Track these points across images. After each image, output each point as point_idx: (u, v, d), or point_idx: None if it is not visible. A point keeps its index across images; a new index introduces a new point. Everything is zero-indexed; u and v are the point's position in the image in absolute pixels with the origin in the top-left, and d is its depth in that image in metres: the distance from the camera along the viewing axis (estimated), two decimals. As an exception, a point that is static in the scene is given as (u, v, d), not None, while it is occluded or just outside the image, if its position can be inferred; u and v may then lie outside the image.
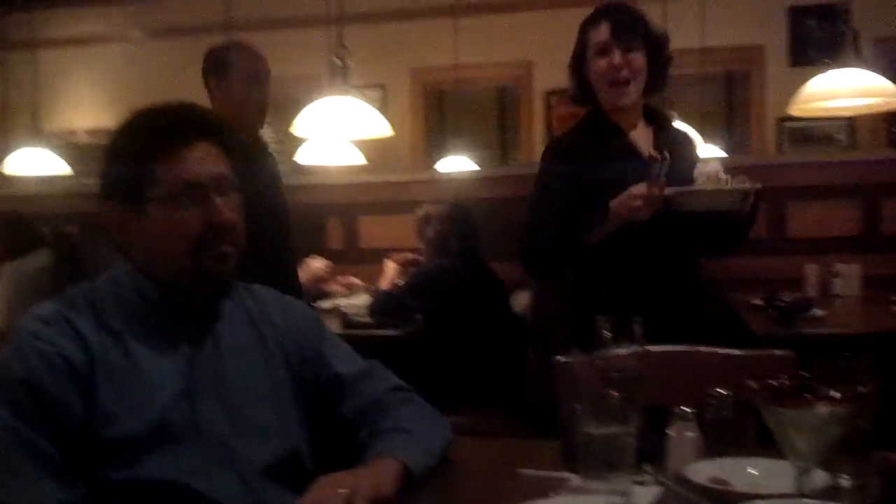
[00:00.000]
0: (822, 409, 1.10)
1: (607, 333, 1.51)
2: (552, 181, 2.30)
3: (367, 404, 1.47)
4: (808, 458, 1.12)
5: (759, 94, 6.68)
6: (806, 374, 1.24)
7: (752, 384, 1.17)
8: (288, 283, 2.61)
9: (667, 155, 2.13)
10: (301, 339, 1.49)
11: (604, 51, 2.25)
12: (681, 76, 6.39)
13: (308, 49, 6.14)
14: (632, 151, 2.30)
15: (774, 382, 1.18)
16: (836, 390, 1.13)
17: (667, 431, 1.38)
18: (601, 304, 2.05)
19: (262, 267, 1.67)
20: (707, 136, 5.58)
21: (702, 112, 6.38)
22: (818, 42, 6.32)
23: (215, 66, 2.79)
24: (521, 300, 3.72)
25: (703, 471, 1.28)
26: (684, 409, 1.40)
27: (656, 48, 2.30)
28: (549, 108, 7.00)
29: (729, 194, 2.15)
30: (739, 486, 1.24)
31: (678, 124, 2.52)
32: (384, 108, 6.12)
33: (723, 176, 2.14)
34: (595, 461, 1.25)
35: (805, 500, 1.07)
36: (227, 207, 1.36)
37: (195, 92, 2.53)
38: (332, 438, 1.47)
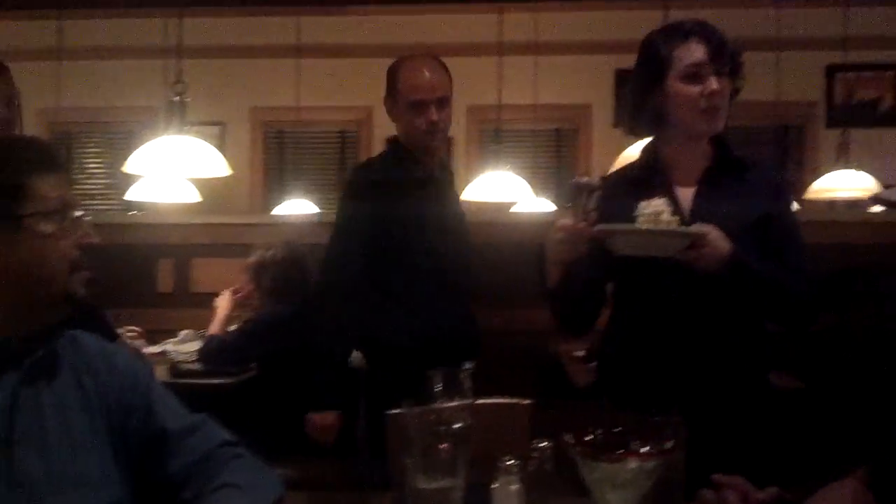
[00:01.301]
0: (633, 463, 1.18)
1: (438, 386, 1.56)
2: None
3: (195, 461, 1.45)
4: (621, 511, 1.20)
5: (586, 150, 7.03)
6: (619, 429, 1.34)
7: (569, 438, 1.24)
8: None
9: (597, 182, 1.88)
10: (125, 390, 1.47)
11: (696, 74, 1.93)
12: (514, 131, 6.68)
13: (144, 81, 6.01)
14: (674, 204, 1.97)
15: (591, 437, 1.26)
16: (647, 445, 1.22)
17: (492, 485, 1.43)
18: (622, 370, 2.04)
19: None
20: (538, 188, 5.82)
21: (534, 166, 6.65)
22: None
23: None
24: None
25: (525, 522, 1.35)
26: (508, 460, 1.46)
27: (737, 77, 2.01)
28: (387, 154, 7.12)
29: (665, 237, 1.86)
30: (559, 536, 1.31)
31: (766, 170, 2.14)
32: (222, 147, 6.05)
33: (666, 217, 1.86)
34: (424, 514, 1.29)
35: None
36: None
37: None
38: (159, 494, 1.44)
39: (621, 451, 1.21)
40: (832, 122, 6.76)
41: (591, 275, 1.98)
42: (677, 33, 1.96)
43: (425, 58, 2.74)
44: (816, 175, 5.36)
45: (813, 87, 6.83)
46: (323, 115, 7.08)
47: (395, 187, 2.68)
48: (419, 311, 2.68)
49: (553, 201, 5.95)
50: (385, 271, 2.65)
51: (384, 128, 7.01)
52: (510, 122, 6.24)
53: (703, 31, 1.95)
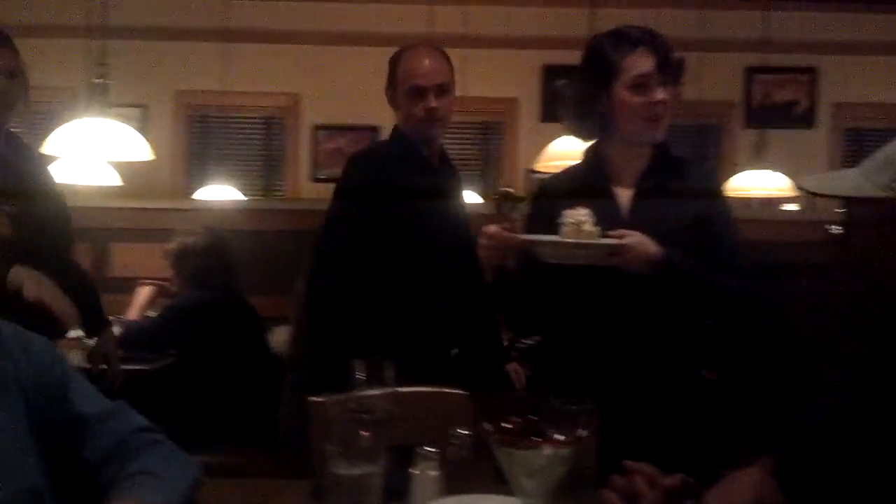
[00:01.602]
0: (548, 450, 1.22)
1: (361, 375, 1.57)
2: (529, 222, 2.13)
3: (111, 446, 1.44)
4: (536, 496, 1.23)
5: (512, 144, 7.10)
6: (534, 417, 1.37)
7: (487, 426, 1.27)
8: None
9: (519, 194, 1.99)
10: (42, 376, 1.45)
11: (644, 84, 1.98)
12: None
13: (65, 60, 5.84)
14: (613, 205, 2.07)
15: (507, 425, 1.29)
16: (561, 432, 1.25)
17: (411, 470, 1.46)
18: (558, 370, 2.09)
19: None
20: (464, 181, 5.84)
21: (460, 158, 6.68)
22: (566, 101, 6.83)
23: None
24: (279, 336, 3.72)
25: (443, 508, 1.38)
26: (428, 448, 1.49)
27: (679, 85, 2.07)
28: (316, 142, 7.07)
29: (584, 248, 1.93)
30: (474, 521, 1.34)
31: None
32: (144, 130, 5.92)
33: (587, 228, 1.92)
34: (343, 501, 1.31)
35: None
36: None
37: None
38: (75, 480, 1.43)
39: (536, 438, 1.25)
40: (750, 123, 6.96)
41: (523, 275, 2.03)
42: (626, 41, 1.99)
43: (426, 46, 2.70)
44: (733, 173, 5.51)
45: (732, 87, 7.01)
46: (249, 101, 7.00)
47: (393, 179, 2.57)
48: (418, 310, 2.53)
49: (480, 194, 5.99)
50: (380, 269, 2.51)
51: (312, 115, 7.02)
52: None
53: (652, 42, 1.98)
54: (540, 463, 1.22)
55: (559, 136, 4.51)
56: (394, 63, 2.68)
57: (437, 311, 2.52)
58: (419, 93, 2.59)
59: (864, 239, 1.19)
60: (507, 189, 2.01)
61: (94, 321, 2.62)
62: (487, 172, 7.11)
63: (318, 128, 7.05)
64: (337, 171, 8.03)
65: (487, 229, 1.95)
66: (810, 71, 7.06)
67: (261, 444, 3.15)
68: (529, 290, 2.09)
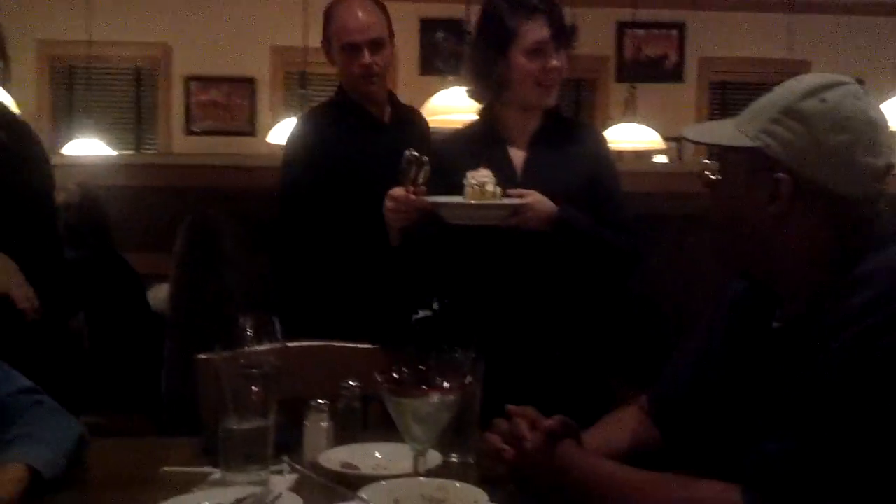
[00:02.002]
0: (435, 398, 1.27)
1: (248, 330, 1.58)
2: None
3: None
4: (424, 442, 1.29)
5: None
6: (422, 367, 1.42)
7: (378, 377, 1.31)
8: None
9: (424, 158, 1.98)
10: None
11: (540, 51, 2.03)
12: (321, 75, 6.60)
13: (-87, 8, 5.50)
14: (507, 165, 2.13)
15: (397, 375, 1.33)
16: (448, 380, 1.31)
17: (303, 423, 1.49)
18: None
19: None
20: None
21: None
22: (445, 54, 6.85)
23: None
24: (158, 293, 3.65)
25: (335, 457, 1.42)
26: (319, 401, 1.52)
27: (571, 50, 2.13)
28: (188, 94, 6.89)
29: (488, 209, 1.98)
30: (366, 469, 1.39)
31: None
32: (6, 83, 5.64)
33: (490, 188, 1.97)
34: (236, 454, 1.33)
35: (421, 479, 1.23)
36: None
37: None
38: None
39: (424, 386, 1.30)
40: (621, 77, 7.15)
41: (426, 237, 2.08)
42: (523, 8, 2.03)
43: None
44: (606, 127, 5.67)
45: (605, 43, 7.18)
46: (117, 51, 6.76)
47: (337, 139, 2.47)
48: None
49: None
50: (338, 234, 2.42)
51: (183, 65, 6.83)
52: (317, 65, 6.18)
53: (549, 9, 2.04)
54: (427, 410, 1.27)
55: (438, 89, 4.53)
56: (327, 17, 2.51)
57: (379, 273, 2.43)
58: (353, 49, 2.45)
59: (731, 187, 1.25)
60: (414, 153, 1.99)
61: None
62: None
63: (190, 79, 6.86)
64: (212, 123, 7.93)
65: (393, 192, 1.99)
66: (678, 26, 7.30)
67: (144, 402, 3.12)
68: (432, 251, 2.15)
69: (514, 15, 2.04)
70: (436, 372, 1.36)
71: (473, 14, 4.00)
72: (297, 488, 1.32)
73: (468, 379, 1.36)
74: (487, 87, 2.11)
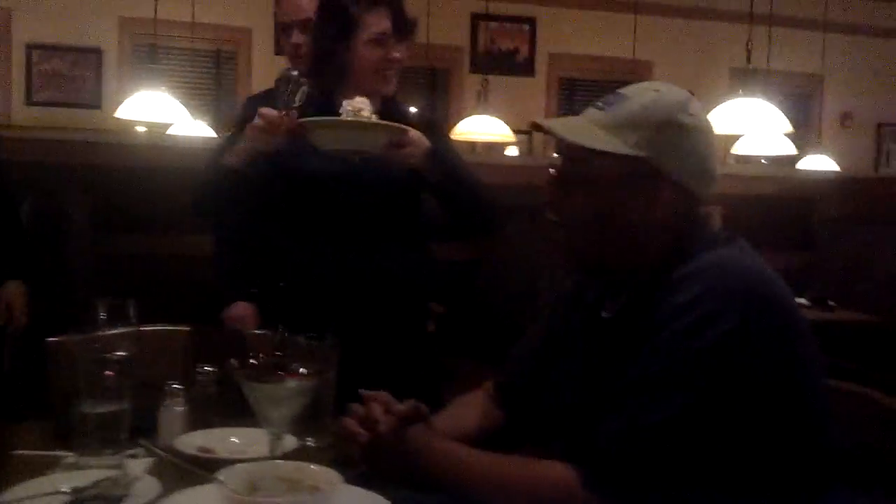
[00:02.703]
0: (291, 383, 1.32)
1: (102, 314, 1.58)
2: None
3: None
4: (280, 426, 1.33)
5: (245, 74, 6.99)
6: (279, 353, 1.47)
7: (234, 362, 1.34)
8: None
9: (302, 79, 1.91)
10: None
11: (380, 41, 2.07)
12: (171, 48, 6.47)
13: None
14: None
15: (253, 360, 1.37)
16: (304, 366, 1.35)
17: (159, 407, 1.50)
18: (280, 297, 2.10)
19: None
20: (195, 111, 5.71)
21: (192, 87, 6.50)
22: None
23: None
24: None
25: (191, 441, 1.44)
26: (174, 385, 1.54)
27: (411, 43, 2.17)
28: (29, 62, 6.56)
29: (368, 129, 1.91)
30: (223, 453, 1.42)
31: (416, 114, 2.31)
32: None
33: (366, 114, 1.90)
34: (91, 438, 1.34)
35: (277, 461, 1.28)
36: None
37: None
38: None
39: (281, 372, 1.34)
40: (475, 68, 7.30)
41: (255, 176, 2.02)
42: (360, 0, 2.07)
43: None
44: (461, 118, 5.80)
45: (460, 33, 7.31)
46: (-50, 12, 6.36)
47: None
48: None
49: (210, 125, 5.87)
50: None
51: (24, 32, 6.49)
52: (167, 38, 6.02)
53: (391, 1, 2.08)
54: (284, 395, 1.31)
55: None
56: None
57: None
58: (285, 28, 2.48)
59: (602, 190, 1.30)
60: (291, 71, 1.92)
61: (4, 269, 2.56)
62: (220, 102, 6.96)
63: (31, 47, 6.54)
64: (54, 93, 7.56)
65: (264, 110, 1.92)
66: (530, 21, 7.51)
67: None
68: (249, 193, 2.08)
69: (357, 4, 2.07)
70: (292, 358, 1.41)
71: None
72: (153, 472, 1.34)
73: (323, 365, 1.41)
74: (330, 76, 2.12)
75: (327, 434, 1.52)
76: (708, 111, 5.43)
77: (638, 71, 7.48)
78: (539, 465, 1.26)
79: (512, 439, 1.54)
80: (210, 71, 7.01)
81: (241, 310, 2.43)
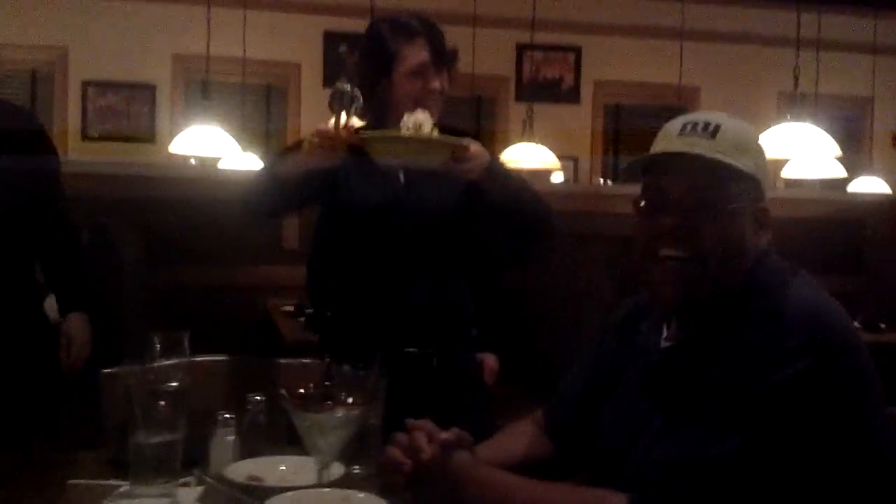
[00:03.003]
0: (339, 412, 1.34)
1: (157, 345, 1.62)
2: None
3: None
4: (328, 454, 1.36)
5: (295, 108, 7.10)
6: (327, 383, 1.49)
7: (284, 392, 1.37)
8: None
9: (356, 92, 1.91)
10: None
11: (419, 72, 2.10)
12: (223, 84, 6.60)
13: None
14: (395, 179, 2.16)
15: (302, 390, 1.40)
16: (351, 396, 1.38)
17: (210, 436, 1.53)
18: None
19: None
20: (245, 144, 5.82)
21: (242, 121, 6.61)
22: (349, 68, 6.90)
23: None
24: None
25: (241, 470, 1.47)
26: (224, 414, 1.57)
27: (453, 72, 2.19)
28: (85, 98, 6.75)
29: (429, 144, 1.89)
30: (272, 481, 1.44)
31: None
32: None
33: (427, 129, 1.89)
34: (144, 468, 1.37)
35: (324, 490, 1.30)
36: None
37: None
38: None
39: (329, 401, 1.36)
40: (520, 97, 7.34)
41: (309, 192, 2.06)
42: (404, 31, 2.12)
43: None
44: (506, 145, 5.82)
45: (505, 63, 7.36)
46: (12, 54, 6.57)
47: None
48: None
49: (261, 157, 5.97)
50: None
51: (81, 69, 6.67)
52: (218, 74, 6.14)
53: (429, 33, 2.12)
54: (332, 424, 1.34)
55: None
56: None
57: None
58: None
59: (732, 216, 1.27)
60: (344, 85, 1.90)
61: (67, 301, 2.61)
62: (270, 135, 7.08)
63: (87, 83, 6.73)
64: (109, 128, 7.72)
65: (321, 126, 1.93)
66: (575, 50, 7.54)
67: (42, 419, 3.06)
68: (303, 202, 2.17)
69: (396, 38, 2.11)
70: (339, 387, 1.44)
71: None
72: (204, 500, 1.37)
73: (371, 394, 1.43)
74: (371, 109, 2.13)
75: (374, 462, 1.53)
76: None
77: (685, 96, 7.45)
78: (588, 493, 1.26)
79: (561, 470, 1.54)
80: (260, 105, 7.14)
81: None
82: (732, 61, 7.71)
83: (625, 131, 7.82)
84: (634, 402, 1.37)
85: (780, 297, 1.24)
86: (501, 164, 2.22)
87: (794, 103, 5.70)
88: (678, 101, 7.51)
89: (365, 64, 2.17)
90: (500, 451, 1.54)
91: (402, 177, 2.14)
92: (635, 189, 1.36)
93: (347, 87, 1.91)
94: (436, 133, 1.90)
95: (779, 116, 6.84)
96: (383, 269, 2.13)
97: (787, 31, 6.06)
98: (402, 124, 1.90)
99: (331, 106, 1.90)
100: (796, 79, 5.50)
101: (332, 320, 2.22)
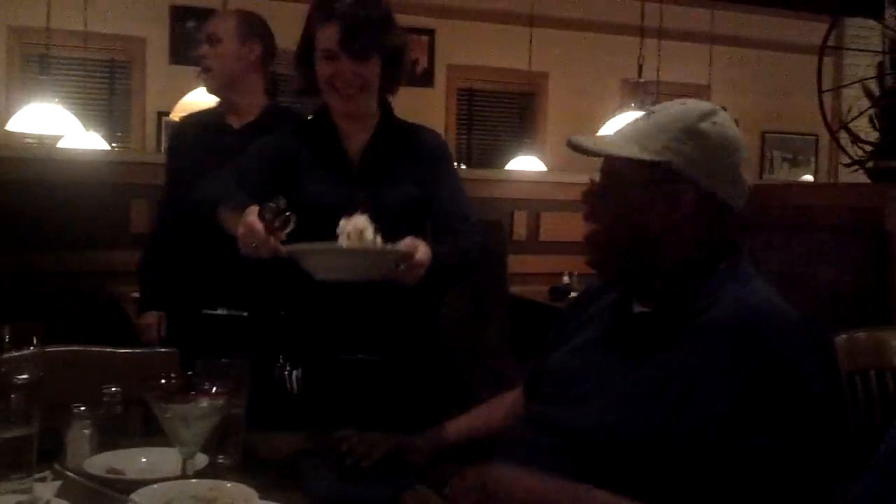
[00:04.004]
0: (204, 402, 1.33)
1: (5, 336, 1.56)
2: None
3: None
4: (192, 445, 1.34)
5: (140, 84, 6.85)
6: (189, 373, 1.48)
7: (146, 383, 1.35)
8: None
9: (288, 214, 1.70)
10: None
11: (331, 57, 1.99)
12: (63, 58, 6.30)
13: None
14: (340, 158, 2.08)
15: (164, 381, 1.38)
16: (214, 386, 1.37)
17: (67, 430, 1.49)
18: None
19: None
20: (88, 122, 5.59)
21: (84, 98, 6.34)
22: (197, 44, 6.70)
23: None
24: None
25: (100, 463, 1.44)
26: (80, 406, 1.53)
27: (395, 56, 2.06)
28: None
29: (373, 257, 1.71)
30: (133, 474, 1.42)
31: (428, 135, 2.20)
32: None
33: (369, 235, 1.70)
34: (-2, 464, 1.33)
35: (191, 481, 1.29)
36: None
37: None
38: None
39: (192, 392, 1.35)
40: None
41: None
42: (321, 13, 2.02)
43: None
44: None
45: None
46: None
47: (184, 145, 2.75)
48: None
49: (104, 136, 5.74)
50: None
51: None
52: (59, 48, 5.86)
53: (343, 15, 1.98)
54: (197, 414, 1.33)
55: (188, 78, 4.44)
56: None
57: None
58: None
59: (628, 198, 1.37)
60: (276, 203, 1.71)
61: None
62: (113, 113, 6.81)
63: None
64: None
65: (250, 220, 1.72)
66: (429, 33, 7.59)
67: None
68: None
69: (315, 20, 2.03)
70: (202, 377, 1.43)
71: (232, 4, 4.00)
72: (62, 495, 1.33)
73: (234, 383, 1.43)
74: (312, 87, 2.08)
75: (238, 452, 1.53)
76: (600, 123, 5.63)
77: (534, 81, 7.65)
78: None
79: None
80: (104, 81, 6.84)
81: (150, 318, 2.76)
82: (579, 48, 7.95)
83: (477, 115, 7.95)
84: (613, 364, 1.40)
85: (736, 285, 1.34)
86: (454, 190, 2.12)
87: (637, 90, 5.97)
88: (528, 87, 7.70)
89: (299, 45, 2.09)
90: (481, 420, 1.64)
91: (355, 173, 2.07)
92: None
93: (283, 201, 1.72)
94: (379, 239, 1.70)
95: (622, 103, 7.14)
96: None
97: (632, 19, 6.33)
98: (338, 230, 1.70)
99: (261, 216, 1.72)
100: (640, 66, 5.76)
101: (285, 320, 2.17)
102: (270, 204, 1.71)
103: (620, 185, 1.40)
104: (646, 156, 1.37)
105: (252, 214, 1.73)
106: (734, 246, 1.42)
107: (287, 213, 1.71)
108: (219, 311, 2.56)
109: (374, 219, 1.76)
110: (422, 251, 1.78)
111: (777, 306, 1.33)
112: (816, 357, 1.25)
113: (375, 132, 2.11)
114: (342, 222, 1.71)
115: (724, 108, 1.44)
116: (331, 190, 2.01)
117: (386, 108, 2.15)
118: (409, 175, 2.08)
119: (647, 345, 1.35)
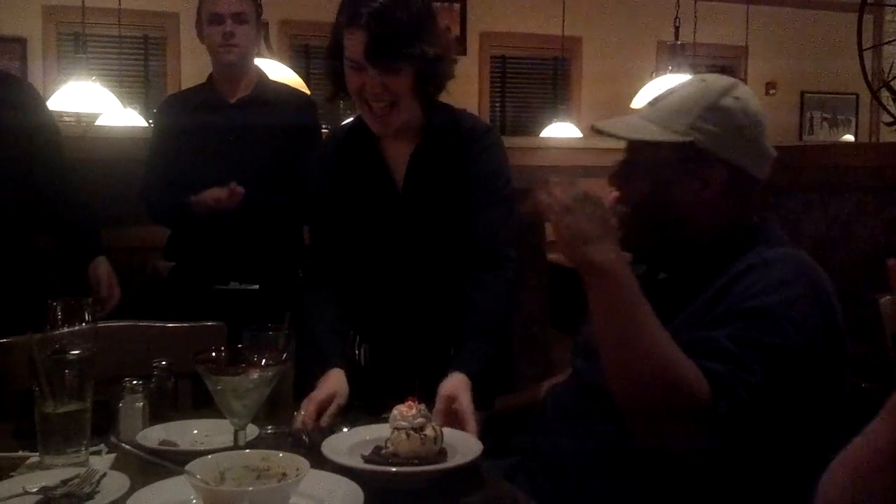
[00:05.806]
0: (255, 374, 1.35)
1: (59, 313, 1.59)
2: None
3: None
4: (244, 416, 1.36)
5: (174, 60, 6.89)
6: (237, 346, 1.50)
7: (195, 356, 1.37)
8: None
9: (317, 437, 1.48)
10: None
11: (357, 68, 1.76)
12: (98, 36, 6.34)
13: None
14: (381, 174, 1.92)
15: (213, 354, 1.40)
16: (263, 357, 1.38)
17: (119, 403, 1.52)
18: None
19: None
20: (124, 99, 5.63)
21: (120, 75, 6.37)
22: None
23: None
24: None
25: (153, 436, 1.47)
26: (132, 380, 1.56)
27: (431, 64, 1.79)
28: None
29: (429, 474, 1.35)
30: (185, 445, 1.45)
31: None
32: None
33: (431, 433, 1.38)
34: (53, 438, 1.35)
35: (244, 451, 1.31)
36: None
37: None
38: None
39: (243, 364, 1.37)
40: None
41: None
42: (345, 16, 1.77)
43: None
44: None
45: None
46: None
47: (176, 122, 2.77)
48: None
49: (141, 113, 5.79)
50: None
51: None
52: (93, 25, 5.90)
53: (369, 21, 1.72)
54: (247, 386, 1.34)
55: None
56: None
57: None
58: (217, 19, 2.69)
59: (658, 178, 1.40)
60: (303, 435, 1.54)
61: (86, 248, 2.69)
62: (149, 89, 6.85)
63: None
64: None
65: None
66: (460, 1, 7.54)
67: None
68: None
69: (340, 24, 1.79)
70: (251, 349, 1.45)
71: None
72: (117, 467, 1.36)
73: (283, 355, 1.44)
74: (337, 98, 1.92)
75: (286, 422, 1.55)
76: (638, 87, 5.56)
77: (568, 47, 7.57)
78: (687, 362, 1.24)
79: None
80: (139, 58, 6.89)
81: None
82: (614, 12, 7.86)
83: (511, 81, 7.90)
84: None
85: (763, 247, 1.36)
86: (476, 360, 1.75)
87: (674, 53, 5.89)
88: (562, 53, 7.63)
89: (328, 48, 1.86)
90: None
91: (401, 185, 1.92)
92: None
93: (304, 437, 1.52)
94: (438, 430, 1.40)
95: (658, 66, 7.05)
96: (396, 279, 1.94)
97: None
98: (391, 421, 1.40)
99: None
100: (676, 29, 5.68)
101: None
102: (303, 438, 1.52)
103: (649, 166, 1.42)
104: (673, 137, 1.39)
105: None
106: (761, 212, 1.45)
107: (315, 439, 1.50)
108: (231, 286, 2.66)
109: (418, 245, 1.89)
110: (472, 422, 1.56)
111: (792, 257, 1.35)
112: (813, 314, 1.28)
113: (419, 146, 1.90)
114: (395, 411, 1.41)
115: (744, 80, 1.46)
116: (376, 216, 1.90)
117: (430, 109, 1.90)
118: (452, 197, 1.88)
119: (673, 307, 1.36)
